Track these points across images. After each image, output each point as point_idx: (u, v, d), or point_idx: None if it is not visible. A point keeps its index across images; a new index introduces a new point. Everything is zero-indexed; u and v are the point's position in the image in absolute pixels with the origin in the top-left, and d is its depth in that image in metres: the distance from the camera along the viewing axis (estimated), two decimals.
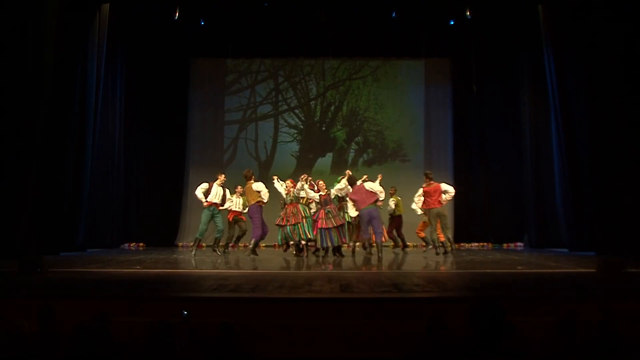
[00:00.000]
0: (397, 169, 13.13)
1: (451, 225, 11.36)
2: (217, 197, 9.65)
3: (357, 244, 9.85)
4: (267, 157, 13.47)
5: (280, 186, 9.69)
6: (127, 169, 12.36)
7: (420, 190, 9.72)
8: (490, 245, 12.52)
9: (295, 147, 13.47)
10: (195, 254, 9.63)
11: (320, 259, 9.14)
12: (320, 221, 9.16)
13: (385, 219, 10.45)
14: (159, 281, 6.33)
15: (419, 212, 9.90)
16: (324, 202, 9.27)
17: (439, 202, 9.32)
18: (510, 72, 12.73)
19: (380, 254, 8.74)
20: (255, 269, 7.90)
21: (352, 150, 13.52)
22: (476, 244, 12.53)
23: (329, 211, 9.21)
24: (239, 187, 10.13)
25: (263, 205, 9.34)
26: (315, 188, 9.44)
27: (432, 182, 9.50)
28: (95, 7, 10.37)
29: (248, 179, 9.44)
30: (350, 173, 9.30)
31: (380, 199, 8.98)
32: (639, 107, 8.73)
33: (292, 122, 13.56)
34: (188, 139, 13.28)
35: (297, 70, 13.65)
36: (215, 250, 10.10)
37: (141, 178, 12.86)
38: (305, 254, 9.39)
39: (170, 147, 12.98)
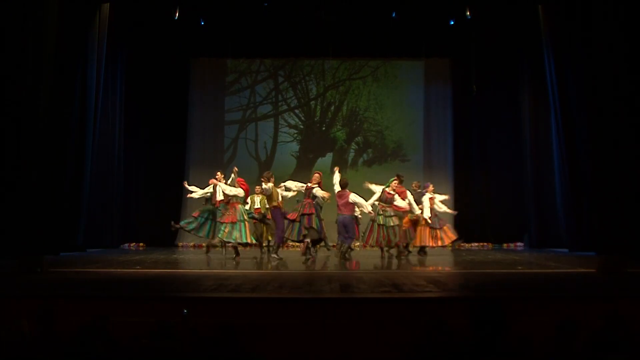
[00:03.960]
0: (397, 169, 13.04)
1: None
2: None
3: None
4: (267, 157, 13.46)
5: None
6: (127, 168, 12.35)
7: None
8: (490, 245, 12.52)
9: (295, 147, 13.47)
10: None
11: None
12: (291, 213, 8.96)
13: None
14: (159, 281, 6.33)
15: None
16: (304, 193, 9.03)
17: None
18: (510, 72, 12.73)
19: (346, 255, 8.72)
20: (255, 269, 7.90)
21: (352, 150, 13.52)
22: (476, 244, 12.52)
23: (298, 202, 9.13)
24: (258, 187, 9.82)
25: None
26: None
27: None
28: (95, 7, 10.36)
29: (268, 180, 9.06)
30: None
31: (365, 211, 9.13)
32: (639, 107, 8.73)
33: (292, 122, 13.56)
34: (188, 139, 13.27)
35: (297, 70, 13.64)
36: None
37: (141, 178, 12.85)
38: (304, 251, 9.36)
39: (170, 147, 12.97)
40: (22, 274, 6.50)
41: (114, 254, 10.23)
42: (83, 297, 5.07)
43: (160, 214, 12.83)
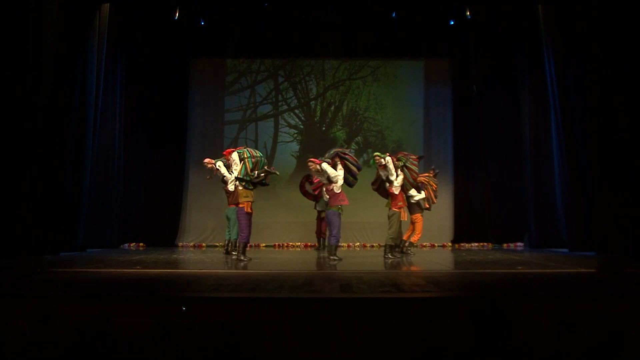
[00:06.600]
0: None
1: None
2: None
3: None
4: (267, 157, 13.43)
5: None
6: (127, 168, 12.34)
7: None
8: (490, 245, 12.51)
9: (295, 147, 13.47)
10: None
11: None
12: None
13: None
14: (159, 281, 6.33)
15: None
16: None
17: None
18: (510, 72, 12.71)
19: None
20: (255, 269, 7.90)
21: (352, 150, 13.49)
22: (476, 244, 12.51)
23: None
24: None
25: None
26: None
27: None
28: (95, 7, 10.36)
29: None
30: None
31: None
32: (638, 106, 8.74)
33: (292, 122, 13.55)
34: (188, 138, 13.26)
35: (297, 70, 13.64)
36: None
37: (141, 178, 12.84)
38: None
39: (170, 146, 12.95)
40: (22, 274, 6.50)
41: (114, 254, 10.23)
42: (83, 297, 5.07)
43: (160, 214, 12.84)
